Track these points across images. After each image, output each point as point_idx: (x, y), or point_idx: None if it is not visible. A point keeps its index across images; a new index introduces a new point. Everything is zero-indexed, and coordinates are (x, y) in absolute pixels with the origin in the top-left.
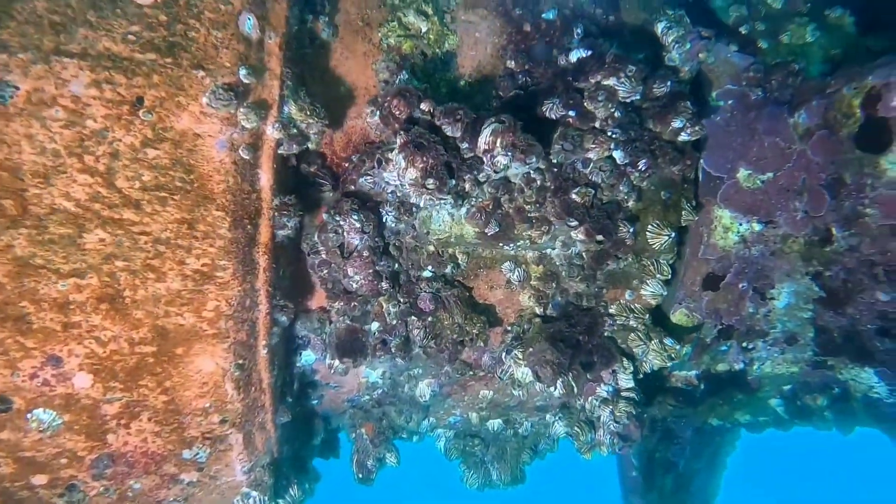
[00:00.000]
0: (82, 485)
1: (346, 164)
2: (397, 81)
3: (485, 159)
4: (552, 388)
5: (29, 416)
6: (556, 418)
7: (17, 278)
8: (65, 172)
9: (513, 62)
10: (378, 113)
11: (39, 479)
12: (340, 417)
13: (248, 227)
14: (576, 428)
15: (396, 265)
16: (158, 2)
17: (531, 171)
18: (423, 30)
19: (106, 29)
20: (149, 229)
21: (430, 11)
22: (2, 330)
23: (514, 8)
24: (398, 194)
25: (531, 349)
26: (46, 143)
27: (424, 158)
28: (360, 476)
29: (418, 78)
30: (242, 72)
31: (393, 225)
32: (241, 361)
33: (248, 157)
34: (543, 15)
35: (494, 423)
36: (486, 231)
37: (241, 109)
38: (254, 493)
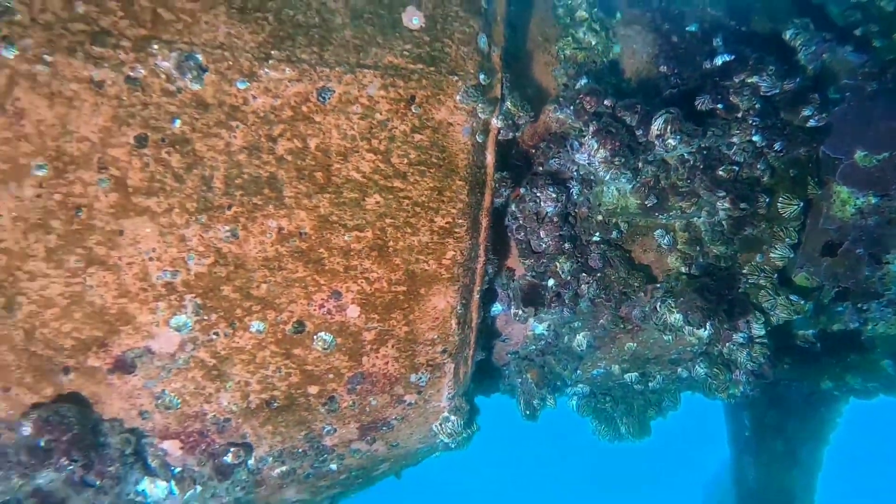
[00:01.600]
0: (339, 397)
1: (533, 150)
2: (577, 85)
3: (656, 143)
4: (701, 330)
5: (315, 337)
6: (697, 363)
7: (319, 231)
8: (357, 152)
9: (664, 67)
10: (570, 108)
11: (312, 389)
12: (500, 369)
13: (478, 194)
14: (715, 369)
15: (572, 231)
16: (424, 27)
17: (685, 154)
18: (593, 43)
19: (389, 47)
20: (411, 195)
21: (597, 28)
22: (305, 270)
23: (663, 23)
24: (582, 172)
25: (682, 298)
26: (348, 130)
27: (613, 141)
28: (527, 413)
29: (592, 81)
30: (481, 76)
31: (575, 197)
32: (464, 302)
33: (480, 141)
34: (687, 28)
35: (632, 376)
36: (646, 203)
37: (479, 104)
38: (452, 418)
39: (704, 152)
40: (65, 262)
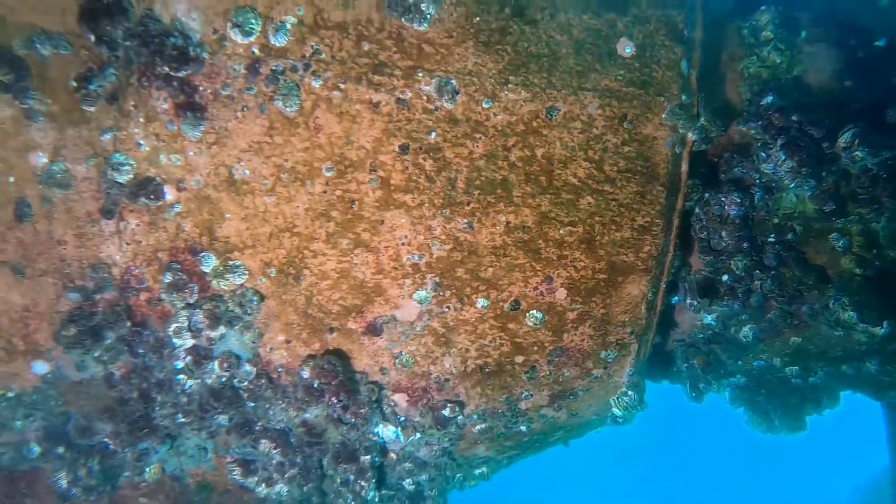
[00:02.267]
0: (539, 367)
1: (716, 160)
2: (763, 101)
3: (842, 155)
4: (878, 328)
5: (528, 314)
6: (867, 361)
7: (539, 225)
8: (575, 160)
9: (849, 81)
10: (757, 122)
11: (519, 359)
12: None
13: (673, 198)
14: (888, 367)
15: (750, 232)
16: (635, 55)
17: (869, 164)
18: (778, 61)
19: (606, 73)
20: (617, 197)
21: (782, 47)
22: (525, 258)
23: (849, 38)
24: (764, 180)
25: (857, 297)
26: (569, 142)
27: (800, 153)
28: (693, 395)
29: (777, 97)
30: (683, 96)
31: (756, 202)
32: (653, 290)
33: (678, 152)
34: (875, 42)
35: (793, 369)
36: (824, 208)
37: (681, 121)
38: (630, 393)
39: (889, 162)
40: (339, 244)
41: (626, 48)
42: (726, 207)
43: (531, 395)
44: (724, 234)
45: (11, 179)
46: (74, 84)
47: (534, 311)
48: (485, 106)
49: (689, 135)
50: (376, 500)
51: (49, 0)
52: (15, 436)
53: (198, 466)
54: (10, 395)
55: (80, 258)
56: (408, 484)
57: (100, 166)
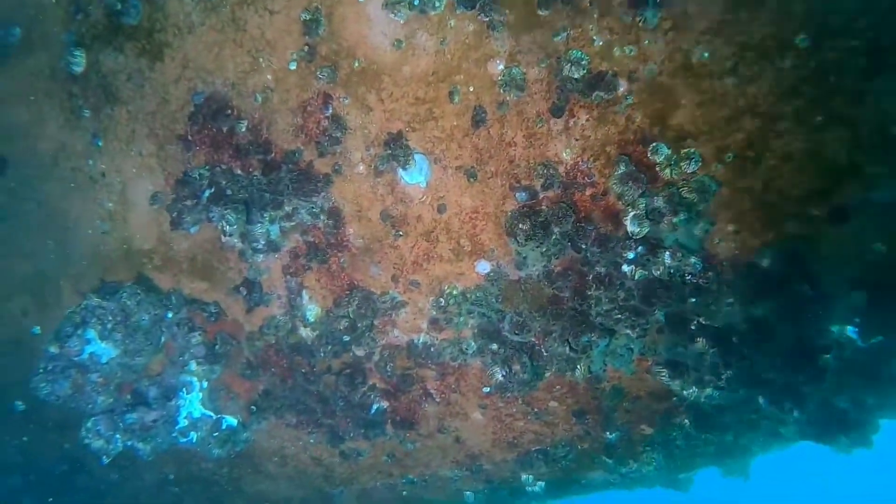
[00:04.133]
0: None
1: None
2: None
3: None
4: None
5: None
6: None
7: None
8: None
9: None
10: None
11: None
12: None
13: None
14: None
15: None
16: None
17: None
18: None
19: None
20: None
21: None
22: None
23: None
24: None
25: None
26: None
27: None
28: None
29: None
30: None
31: None
32: None
33: None
34: None
35: None
36: None
37: None
38: None
39: None
40: (807, 121)
41: None
42: None
43: None
44: None
45: (472, 88)
46: None
47: None
48: None
49: None
50: None
51: None
52: (452, 331)
53: (619, 368)
54: (454, 292)
55: (527, 158)
56: None
57: (551, 67)
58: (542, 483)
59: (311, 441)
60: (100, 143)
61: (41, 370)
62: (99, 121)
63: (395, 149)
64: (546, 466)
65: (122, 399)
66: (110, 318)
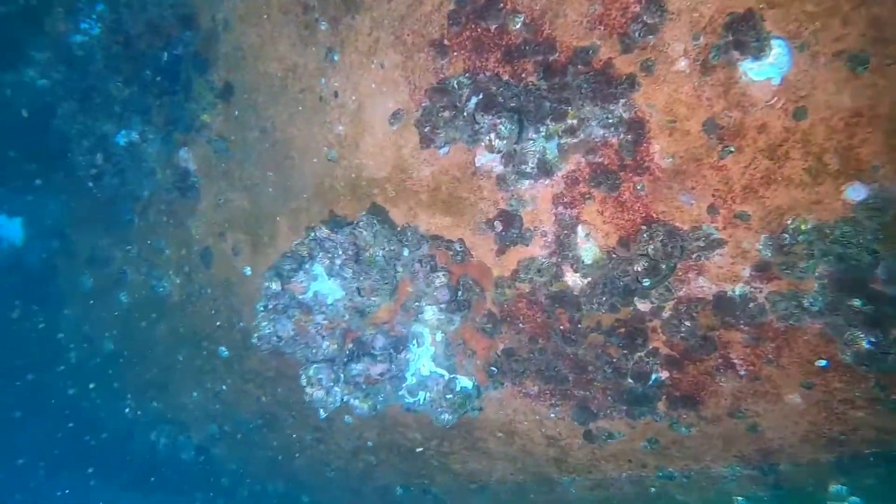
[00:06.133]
0: None
1: None
2: None
3: None
4: None
5: None
6: None
7: None
8: None
9: None
10: None
11: None
12: None
13: None
14: None
15: None
16: None
17: None
18: None
19: None
20: None
21: None
22: None
23: None
24: None
25: None
26: None
27: None
28: None
29: None
30: None
31: None
32: None
33: None
34: None
35: None
36: None
37: None
38: None
39: None
40: None
41: None
42: None
43: None
44: None
45: None
46: None
47: None
48: None
49: None
50: None
51: None
52: (789, 280)
53: None
54: (805, 227)
55: None
56: None
57: None
58: (857, 499)
59: (552, 415)
60: (335, 58)
61: (262, 308)
62: (337, 33)
63: (743, 33)
64: (876, 477)
65: (345, 348)
66: (340, 252)
